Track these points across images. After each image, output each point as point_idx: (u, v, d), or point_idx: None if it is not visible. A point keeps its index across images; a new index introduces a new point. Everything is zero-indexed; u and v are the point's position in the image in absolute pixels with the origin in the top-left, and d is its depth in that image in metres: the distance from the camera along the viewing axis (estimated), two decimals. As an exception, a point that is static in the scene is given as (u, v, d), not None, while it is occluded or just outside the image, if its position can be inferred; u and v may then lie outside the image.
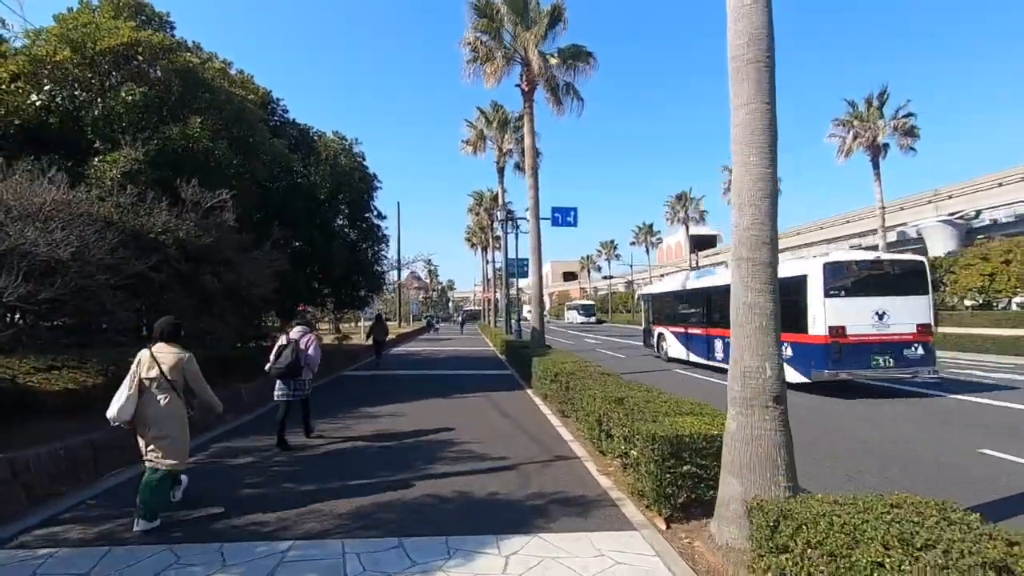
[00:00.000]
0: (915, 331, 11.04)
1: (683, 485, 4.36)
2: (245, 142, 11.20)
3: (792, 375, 11.05)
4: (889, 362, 10.89)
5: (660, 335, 18.91)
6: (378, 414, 9.14)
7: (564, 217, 21.78)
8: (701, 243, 61.74)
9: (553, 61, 15.46)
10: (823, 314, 10.87)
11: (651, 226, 66.45)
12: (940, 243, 35.20)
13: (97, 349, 7.22)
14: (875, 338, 10.85)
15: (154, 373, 4.31)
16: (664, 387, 7.05)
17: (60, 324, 8.08)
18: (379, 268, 17.69)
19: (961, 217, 35.09)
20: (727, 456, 3.89)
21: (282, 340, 6.95)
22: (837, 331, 10.77)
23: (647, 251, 67.39)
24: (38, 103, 9.48)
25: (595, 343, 29.60)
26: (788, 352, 11.34)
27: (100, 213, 8.32)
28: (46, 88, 9.65)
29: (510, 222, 27.18)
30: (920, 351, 11.06)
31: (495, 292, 55.88)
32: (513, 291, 32.23)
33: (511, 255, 28.19)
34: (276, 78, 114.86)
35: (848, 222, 45.92)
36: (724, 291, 13.18)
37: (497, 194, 33.63)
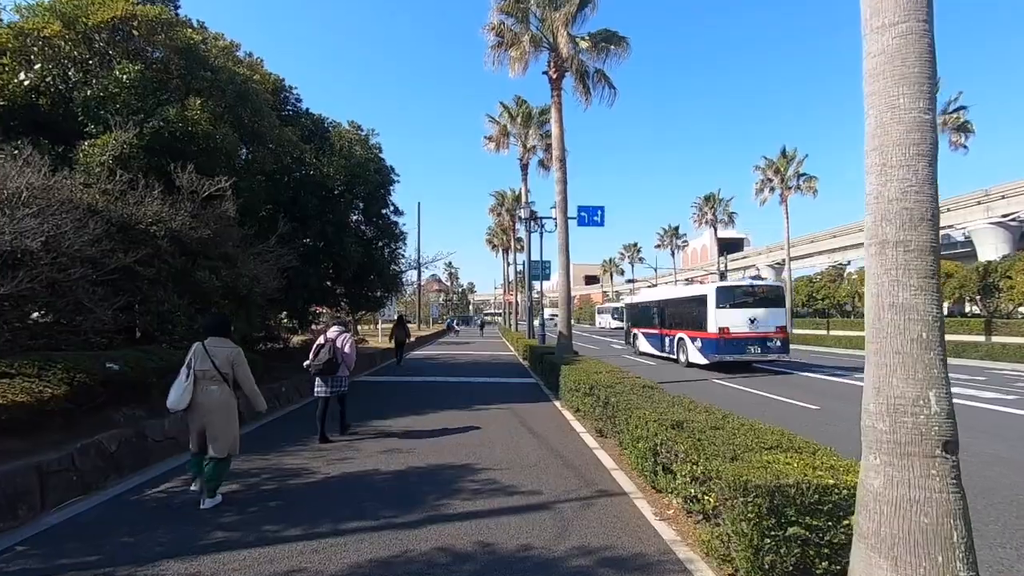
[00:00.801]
0: (775, 331, 16.60)
1: (788, 553, 3.20)
2: (250, 128, 10.33)
3: (699, 358, 17.25)
4: (757, 350, 16.41)
5: (634, 335, 24.80)
6: (390, 429, 8.11)
7: (591, 216, 20.80)
8: (727, 247, 59.63)
9: (583, 44, 14.34)
10: (715, 319, 16.40)
11: (676, 228, 64.65)
12: (991, 246, 33.06)
13: (72, 352, 6.32)
14: (749, 335, 16.33)
15: (207, 365, 4.67)
16: (707, 401, 5.87)
17: (32, 323, 7.24)
18: (396, 267, 16.71)
19: (1015, 219, 32.90)
20: (867, 524, 2.73)
21: (320, 340, 7.34)
22: (724, 330, 16.27)
23: (672, 254, 65.62)
24: (27, 83, 8.71)
25: (621, 348, 28.30)
26: (698, 344, 17.34)
27: (83, 200, 7.46)
28: (36, 67, 8.89)
29: (533, 222, 26.09)
30: (778, 343, 16.61)
31: (516, 295, 54.80)
32: (535, 294, 31.09)
33: (534, 257, 27.11)
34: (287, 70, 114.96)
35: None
36: (672, 303, 19.90)
37: (520, 194, 32.57)
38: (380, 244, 15.34)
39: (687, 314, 18.45)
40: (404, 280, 21.84)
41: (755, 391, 12.86)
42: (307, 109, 14.34)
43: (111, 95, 8.69)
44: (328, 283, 14.44)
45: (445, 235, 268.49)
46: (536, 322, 26.61)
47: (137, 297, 7.86)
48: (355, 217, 14.75)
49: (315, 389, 7.28)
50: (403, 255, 16.69)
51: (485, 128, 27.42)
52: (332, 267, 13.59)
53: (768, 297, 17.11)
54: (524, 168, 27.92)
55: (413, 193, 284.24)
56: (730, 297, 16.83)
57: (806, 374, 16.54)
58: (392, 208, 15.74)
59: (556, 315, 52.32)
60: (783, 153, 37.39)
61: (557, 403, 10.56)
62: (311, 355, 7.18)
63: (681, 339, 18.64)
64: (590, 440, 7.47)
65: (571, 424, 8.59)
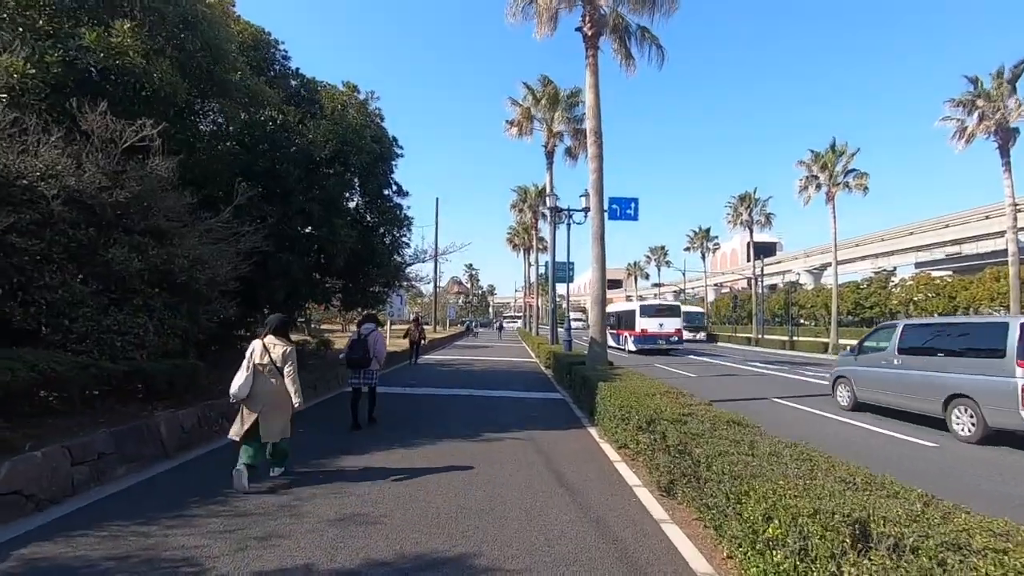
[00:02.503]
0: (674, 331, 27.50)
1: None
2: (206, 71, 8.13)
3: (632, 347, 27.77)
4: (664, 343, 27.27)
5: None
6: (360, 472, 5.74)
7: (623, 209, 18.59)
8: (760, 251, 56.06)
9: (626, -10, 11.89)
10: (638, 323, 27.41)
11: (708, 231, 61.09)
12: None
13: None
14: (659, 333, 27.21)
15: (265, 360, 5.12)
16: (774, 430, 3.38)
17: None
18: (399, 258, 14.32)
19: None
20: None
21: (353, 335, 7.91)
22: (643, 330, 27.22)
23: (703, 257, 62.15)
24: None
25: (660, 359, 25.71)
26: (632, 339, 27.93)
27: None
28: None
29: (559, 214, 23.59)
30: (676, 339, 27.69)
31: (537, 298, 52.27)
32: (558, 296, 28.61)
33: (559, 256, 24.61)
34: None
35: (946, 226, 40.11)
36: (622, 313, 32.74)
37: (544, 187, 30.13)
38: (381, 231, 12.99)
39: (627, 320, 29.20)
40: (411, 274, 19.43)
41: (831, 416, 10.17)
42: (297, 69, 12.16)
43: (8, 13, 6.55)
44: (316, 274, 12.15)
45: (465, 235, 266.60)
46: (560, 327, 24.10)
47: (13, 280, 5.65)
48: (351, 198, 12.46)
49: (350, 380, 7.88)
50: (407, 243, 14.27)
51: (507, 112, 25.11)
52: (321, 254, 11.32)
53: (671, 311, 28.46)
54: (549, 156, 25.39)
55: (433, 188, 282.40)
56: (649, 311, 28.09)
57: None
58: (395, 188, 13.36)
59: (581, 319, 49.65)
60: (832, 147, 34.16)
61: (593, 431, 8.11)
62: (346, 348, 7.74)
63: (625, 336, 29.09)
64: (650, 502, 5.01)
65: (617, 469, 6.13)
